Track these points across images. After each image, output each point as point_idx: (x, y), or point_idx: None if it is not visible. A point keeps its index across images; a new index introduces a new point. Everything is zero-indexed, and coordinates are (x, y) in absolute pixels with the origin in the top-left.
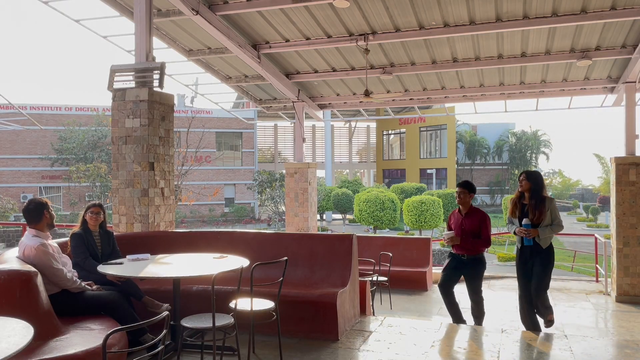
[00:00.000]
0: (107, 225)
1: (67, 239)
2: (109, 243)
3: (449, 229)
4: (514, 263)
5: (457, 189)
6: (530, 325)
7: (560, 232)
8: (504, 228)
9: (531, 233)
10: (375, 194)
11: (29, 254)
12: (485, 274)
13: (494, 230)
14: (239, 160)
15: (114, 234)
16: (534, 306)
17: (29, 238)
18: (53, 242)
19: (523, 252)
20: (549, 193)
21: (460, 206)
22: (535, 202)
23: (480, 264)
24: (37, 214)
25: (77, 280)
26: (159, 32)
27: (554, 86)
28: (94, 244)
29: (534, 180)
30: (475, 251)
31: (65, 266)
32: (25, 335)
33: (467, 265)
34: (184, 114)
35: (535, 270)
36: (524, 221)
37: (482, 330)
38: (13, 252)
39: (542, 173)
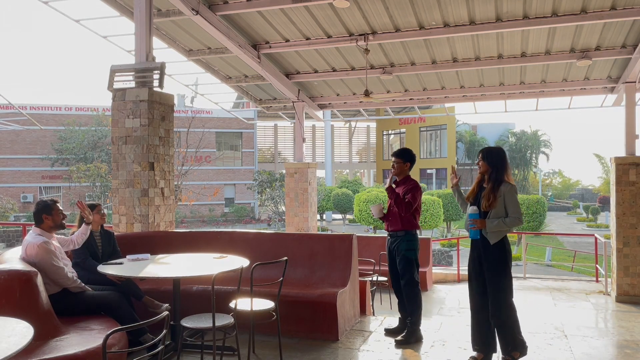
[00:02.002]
0: (107, 225)
1: (67, 238)
2: (110, 243)
3: None
4: (513, 263)
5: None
6: (480, 345)
7: (515, 229)
8: None
9: (476, 224)
10: (375, 194)
11: (31, 251)
12: None
13: None
14: (239, 160)
15: (114, 233)
16: (495, 331)
17: (32, 236)
18: (56, 242)
19: (472, 248)
20: (549, 193)
21: (397, 177)
22: (492, 185)
23: (406, 241)
24: (37, 216)
25: (78, 280)
26: (159, 32)
27: (554, 86)
28: (95, 244)
29: (491, 160)
30: (403, 224)
31: (66, 267)
32: (25, 335)
33: (394, 242)
34: (184, 114)
35: (487, 275)
36: (469, 209)
37: None
38: (14, 252)
39: (507, 153)
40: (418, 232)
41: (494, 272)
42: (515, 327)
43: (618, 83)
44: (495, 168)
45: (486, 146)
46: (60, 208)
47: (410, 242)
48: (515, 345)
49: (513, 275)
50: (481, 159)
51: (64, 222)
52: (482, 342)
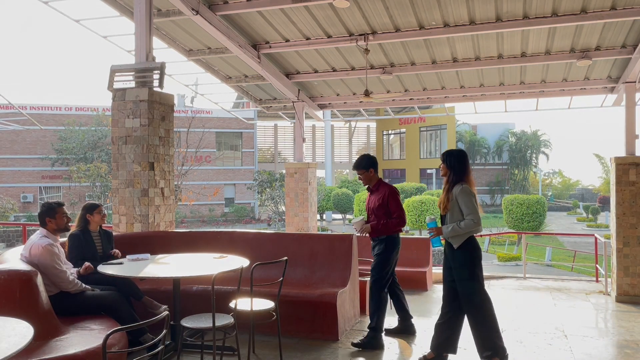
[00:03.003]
0: (107, 225)
1: (66, 239)
2: (110, 242)
3: None
4: (513, 263)
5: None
6: (435, 345)
7: (476, 232)
8: (504, 228)
9: (434, 232)
10: None
11: (35, 252)
12: (485, 274)
13: (493, 231)
14: (239, 160)
15: (113, 233)
16: (473, 336)
17: (38, 237)
18: (60, 246)
19: (444, 252)
20: (549, 193)
21: (369, 185)
22: (447, 188)
23: (385, 243)
24: (41, 218)
25: (79, 282)
26: (159, 32)
27: (554, 86)
28: (93, 245)
29: (450, 162)
30: (385, 232)
31: (68, 270)
32: (25, 335)
33: (375, 247)
34: (184, 114)
35: (455, 279)
36: (427, 219)
37: None
38: (14, 252)
39: (465, 153)
40: (400, 234)
41: (461, 276)
42: (492, 332)
43: (618, 83)
44: (453, 170)
45: (448, 149)
46: (65, 211)
47: (389, 245)
48: (495, 350)
49: (513, 275)
50: (442, 162)
51: (68, 225)
52: (438, 342)
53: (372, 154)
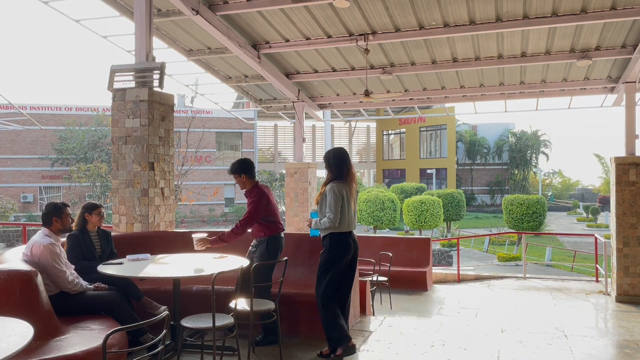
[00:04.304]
0: (107, 225)
1: (65, 239)
2: (109, 242)
3: None
4: (513, 263)
5: None
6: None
7: (332, 230)
8: (504, 228)
9: (309, 222)
10: (375, 194)
11: (36, 251)
12: (485, 274)
13: (493, 231)
14: None
15: (112, 233)
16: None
17: (40, 236)
18: (61, 246)
19: None
20: (549, 193)
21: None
22: (324, 184)
23: (266, 244)
24: (46, 217)
25: (78, 282)
26: (159, 32)
27: (554, 86)
28: (92, 245)
29: (327, 161)
30: (264, 232)
31: (68, 270)
32: (25, 335)
33: (255, 246)
34: (184, 114)
35: None
36: (311, 210)
37: (482, 330)
38: (14, 252)
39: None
40: (281, 234)
41: (320, 263)
42: (327, 323)
43: (618, 83)
44: (330, 168)
45: (331, 148)
46: (70, 212)
47: (269, 247)
48: (329, 339)
49: (513, 275)
50: (324, 160)
51: (71, 225)
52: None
53: (249, 159)
